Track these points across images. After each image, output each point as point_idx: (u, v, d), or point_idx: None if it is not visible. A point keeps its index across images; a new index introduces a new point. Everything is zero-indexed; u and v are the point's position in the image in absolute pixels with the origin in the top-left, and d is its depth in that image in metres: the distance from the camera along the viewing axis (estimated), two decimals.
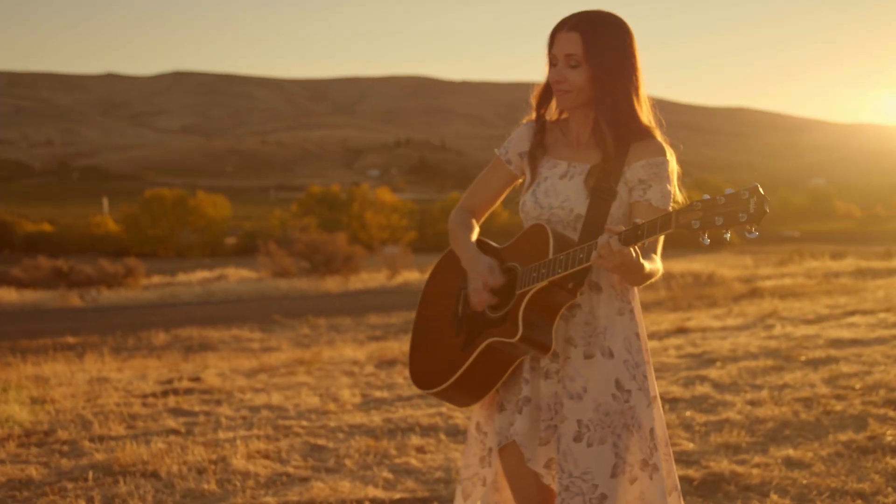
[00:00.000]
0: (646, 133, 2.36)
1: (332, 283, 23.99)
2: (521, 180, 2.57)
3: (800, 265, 25.25)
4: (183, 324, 17.13)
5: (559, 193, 2.38)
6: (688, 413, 5.30)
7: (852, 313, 9.39)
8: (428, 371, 2.51)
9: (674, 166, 2.37)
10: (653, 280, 2.31)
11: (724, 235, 1.91)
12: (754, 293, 13.61)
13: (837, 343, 7.38)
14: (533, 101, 2.52)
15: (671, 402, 5.57)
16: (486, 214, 2.65)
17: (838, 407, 5.24)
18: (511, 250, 2.44)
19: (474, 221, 2.60)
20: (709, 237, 1.95)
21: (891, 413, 5.08)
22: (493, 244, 2.53)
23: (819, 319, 9.07)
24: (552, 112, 2.51)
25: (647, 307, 12.51)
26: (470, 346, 2.38)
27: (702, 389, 5.86)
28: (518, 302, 2.28)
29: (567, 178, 2.40)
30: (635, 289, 2.44)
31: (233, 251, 71.69)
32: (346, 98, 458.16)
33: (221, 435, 5.20)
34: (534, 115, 2.52)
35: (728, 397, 5.65)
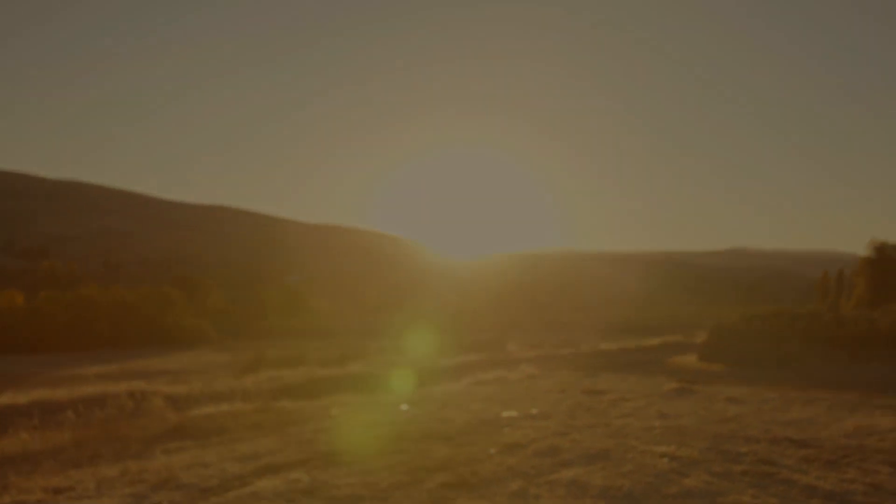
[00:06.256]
0: None
1: None
2: None
3: (256, 375, 24.21)
4: None
5: None
6: None
7: (265, 471, 7.89)
8: None
9: None
10: None
11: None
12: (180, 431, 11.70)
13: None
14: None
15: None
16: None
17: None
18: None
19: None
20: None
21: None
22: None
23: (221, 487, 7.37)
24: None
25: (36, 461, 9.77)
26: None
27: None
28: None
29: None
30: None
31: None
32: None
33: None
34: None
35: None
